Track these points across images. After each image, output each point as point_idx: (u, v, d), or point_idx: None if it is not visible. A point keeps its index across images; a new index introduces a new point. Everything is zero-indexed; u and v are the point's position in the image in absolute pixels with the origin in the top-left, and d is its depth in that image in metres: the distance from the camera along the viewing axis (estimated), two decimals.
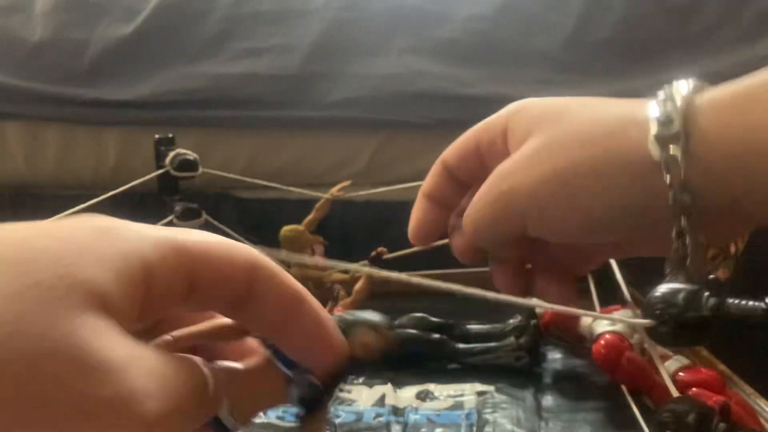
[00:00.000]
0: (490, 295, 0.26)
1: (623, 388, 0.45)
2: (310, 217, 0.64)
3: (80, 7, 0.86)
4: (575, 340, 0.53)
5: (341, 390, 0.50)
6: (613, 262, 0.44)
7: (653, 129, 0.28)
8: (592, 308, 0.54)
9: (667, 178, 0.27)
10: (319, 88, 0.83)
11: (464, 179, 0.40)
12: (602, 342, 0.46)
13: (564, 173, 0.30)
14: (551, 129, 0.32)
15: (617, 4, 0.84)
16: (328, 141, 0.85)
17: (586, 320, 0.51)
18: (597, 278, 0.55)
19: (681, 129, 0.27)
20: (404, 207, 0.85)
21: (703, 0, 0.83)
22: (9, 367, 0.16)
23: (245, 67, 0.84)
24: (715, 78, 0.80)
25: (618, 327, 0.47)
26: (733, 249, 0.32)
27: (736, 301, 0.22)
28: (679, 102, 0.28)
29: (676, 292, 0.23)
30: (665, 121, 0.27)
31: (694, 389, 0.43)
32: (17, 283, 0.17)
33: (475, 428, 0.44)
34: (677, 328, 0.23)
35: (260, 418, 0.46)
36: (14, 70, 0.84)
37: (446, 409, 0.47)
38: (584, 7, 0.84)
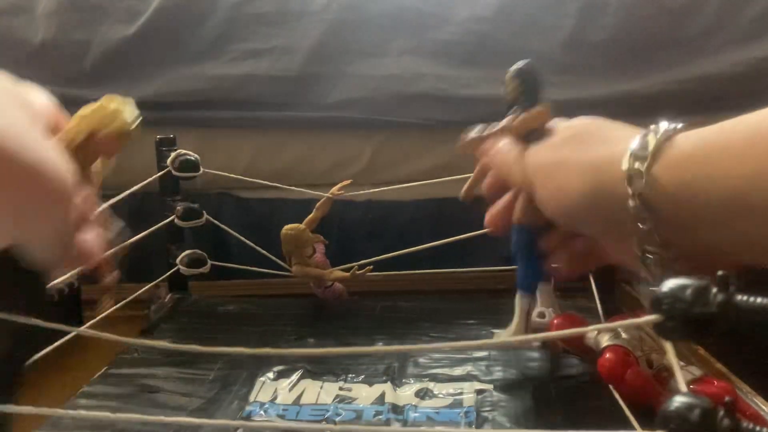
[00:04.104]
0: (492, 342, 0.27)
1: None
2: (310, 216, 0.64)
3: (82, 8, 0.86)
4: (582, 353, 0.52)
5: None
6: None
7: (632, 145, 0.33)
8: (595, 310, 0.55)
9: (629, 189, 0.32)
10: (319, 89, 0.83)
11: None
12: (607, 356, 0.45)
13: (559, 163, 0.38)
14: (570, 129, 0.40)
15: (615, 6, 0.84)
16: (328, 141, 0.85)
17: (591, 332, 0.49)
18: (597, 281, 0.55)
19: (650, 151, 0.32)
20: (404, 207, 0.86)
21: (702, 1, 0.83)
22: None
23: (246, 68, 0.84)
24: (713, 79, 0.80)
25: (623, 339, 0.46)
26: None
27: (745, 298, 0.22)
28: (659, 133, 0.32)
29: (684, 287, 0.23)
30: (643, 145, 0.32)
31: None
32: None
33: (474, 426, 0.45)
34: (685, 323, 0.23)
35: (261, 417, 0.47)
36: (16, 72, 0.83)
37: (445, 407, 0.47)
38: (582, 8, 0.84)
